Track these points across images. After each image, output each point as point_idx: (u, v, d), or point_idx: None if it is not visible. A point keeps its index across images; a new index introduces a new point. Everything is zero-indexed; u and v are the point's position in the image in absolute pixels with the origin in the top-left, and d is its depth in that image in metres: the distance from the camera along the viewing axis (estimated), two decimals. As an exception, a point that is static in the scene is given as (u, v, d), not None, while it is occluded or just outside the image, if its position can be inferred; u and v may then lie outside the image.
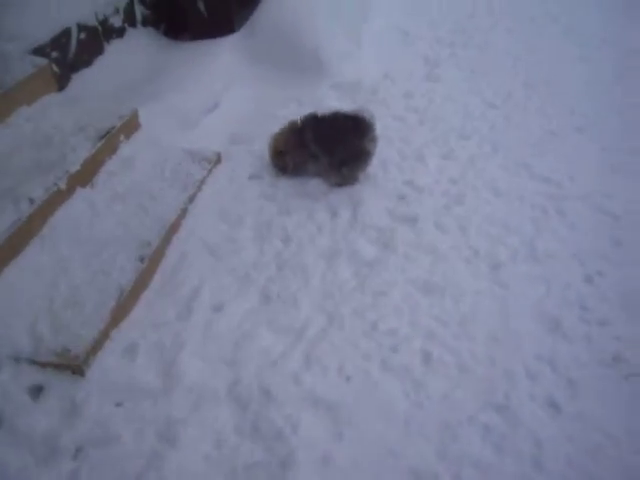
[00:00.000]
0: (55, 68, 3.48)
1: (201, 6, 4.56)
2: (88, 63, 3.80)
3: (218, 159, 3.19)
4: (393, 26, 5.74)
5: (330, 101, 4.15)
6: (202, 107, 3.83)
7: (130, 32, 4.25)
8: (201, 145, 3.44)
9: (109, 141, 2.91)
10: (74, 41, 3.65)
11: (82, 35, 3.72)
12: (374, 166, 3.40)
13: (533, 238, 2.89)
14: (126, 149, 3.00)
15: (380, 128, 3.72)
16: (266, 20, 4.42)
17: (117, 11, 4.09)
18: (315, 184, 3.22)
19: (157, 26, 4.61)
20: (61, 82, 3.54)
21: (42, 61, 3.12)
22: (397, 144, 3.66)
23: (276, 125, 3.41)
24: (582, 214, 3.08)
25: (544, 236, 2.91)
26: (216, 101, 3.99)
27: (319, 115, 3.14)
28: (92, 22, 3.84)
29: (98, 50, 3.90)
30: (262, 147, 3.43)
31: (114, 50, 4.03)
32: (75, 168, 2.63)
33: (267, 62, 4.40)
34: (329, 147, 3.07)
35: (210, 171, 3.07)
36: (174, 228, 2.71)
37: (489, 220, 3.02)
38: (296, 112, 3.90)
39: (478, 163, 3.52)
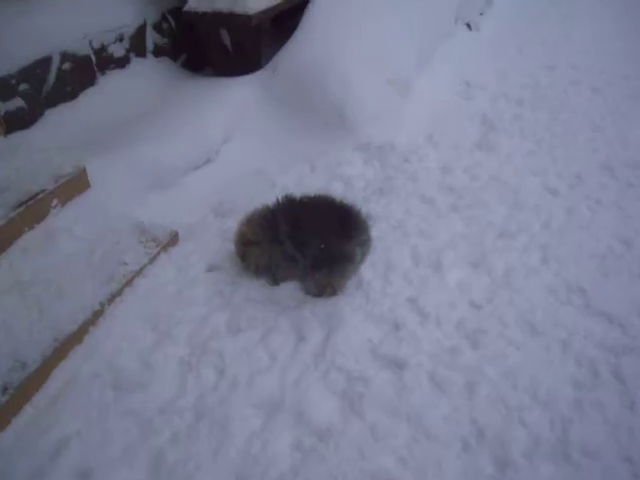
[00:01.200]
0: (22, 103, 2.95)
1: (226, 39, 3.95)
2: (71, 96, 3.26)
3: (172, 240, 2.52)
4: (455, 74, 4.92)
5: (348, 168, 3.43)
6: (190, 161, 3.20)
7: (136, 62, 3.71)
8: (169, 213, 2.79)
9: (32, 209, 2.31)
10: (53, 72, 3.11)
11: (66, 65, 3.18)
12: (375, 270, 2.61)
13: (569, 422, 1.99)
14: (56, 219, 2.41)
15: (399, 213, 2.97)
16: (291, 59, 3.74)
17: (120, 39, 3.55)
18: (288, 289, 2.48)
19: (175, 57, 4.03)
20: (28, 118, 3.01)
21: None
22: (414, 239, 2.85)
23: (271, 195, 2.71)
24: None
25: (585, 421, 1.99)
26: (210, 155, 3.35)
27: (299, 200, 2.40)
28: (83, 51, 3.29)
29: (87, 82, 3.38)
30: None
31: (109, 82, 3.50)
32: (-36, 247, 2.02)
33: (285, 109, 3.72)
34: (305, 244, 2.31)
35: (155, 257, 2.40)
36: (74, 339, 2.04)
37: (509, 379, 2.15)
38: (303, 179, 3.22)
39: (517, 280, 2.64)
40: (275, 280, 2.46)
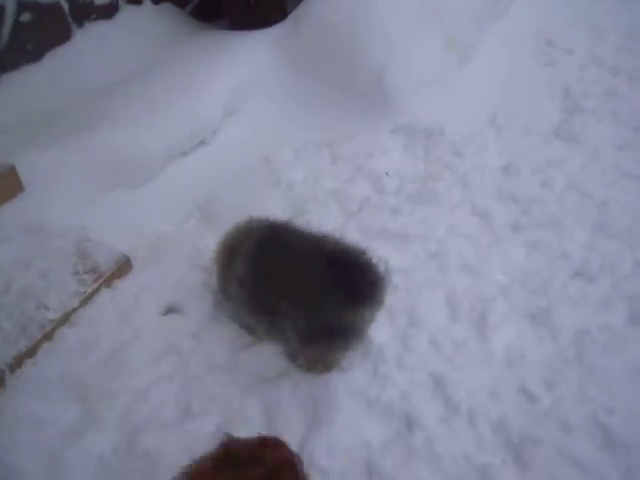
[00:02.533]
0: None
1: (244, -20, 3.13)
2: (34, 57, 2.60)
3: (120, 269, 1.88)
4: (535, 31, 3.89)
5: (382, 159, 2.63)
6: (174, 146, 2.50)
7: (127, 11, 3.03)
8: (134, 221, 2.15)
9: None
10: (8, 25, 2.45)
11: (25, 16, 2.50)
12: (393, 326, 1.89)
13: None
14: (-32, 235, 1.77)
15: (440, 231, 2.20)
16: (318, 10, 2.91)
17: (104, -19, 2.81)
18: (267, 351, 1.79)
19: (183, 3, 3.26)
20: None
21: None
22: (454, 276, 2.08)
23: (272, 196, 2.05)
24: None
25: None
26: (204, 135, 2.64)
27: (285, 232, 1.67)
28: (51, -4, 2.59)
29: (58, 38, 2.69)
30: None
31: (88, 38, 2.80)
32: None
33: (306, 75, 2.95)
34: (291, 300, 1.60)
35: (90, 296, 1.76)
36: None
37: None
38: (318, 174, 2.49)
39: (592, 353, 1.84)
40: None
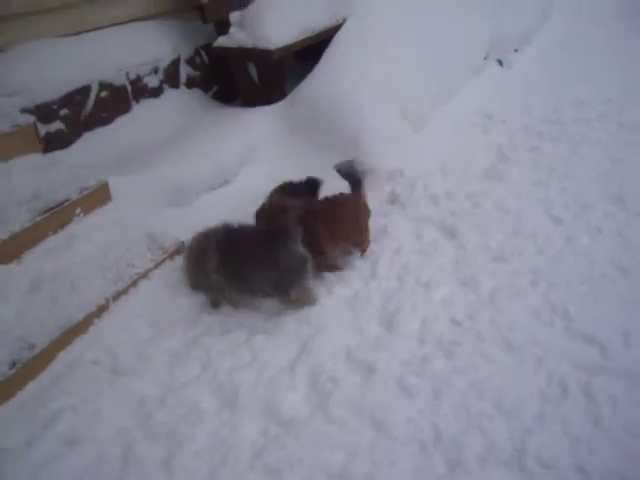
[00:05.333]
0: (62, 126, 3.34)
1: (253, 72, 4.28)
2: (107, 121, 3.64)
3: (178, 249, 2.77)
4: (477, 109, 5.06)
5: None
6: (207, 182, 3.49)
7: (169, 93, 4.09)
8: (180, 227, 3.07)
9: (57, 215, 2.63)
10: (92, 99, 3.51)
11: (104, 93, 3.57)
12: (362, 280, 2.78)
13: (528, 433, 2.06)
14: (78, 225, 2.72)
15: (404, 235, 3.12)
16: (308, 91, 4.02)
17: (155, 71, 3.94)
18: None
19: (206, 88, 4.40)
20: (66, 139, 3.40)
21: (28, 119, 2.95)
22: (407, 256, 2.99)
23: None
24: (623, 405, 2.16)
25: (545, 433, 2.06)
26: (227, 177, 3.63)
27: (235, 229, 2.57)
28: (120, 81, 3.70)
29: (123, 109, 3.75)
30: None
31: (143, 110, 3.88)
32: (-8, 244, 2.35)
33: (303, 137, 3.98)
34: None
35: (160, 263, 2.66)
36: (80, 329, 2.31)
37: (476, 389, 2.24)
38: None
39: (501, 300, 2.73)
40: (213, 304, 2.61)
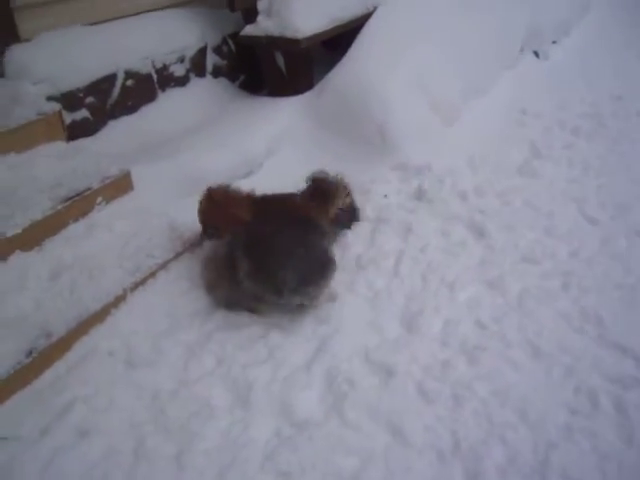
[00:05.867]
0: (87, 114, 3.33)
1: (280, 62, 4.22)
2: (132, 110, 3.63)
3: (198, 240, 2.73)
4: (512, 103, 4.88)
5: (381, 185, 3.52)
6: (232, 171, 3.44)
7: (195, 82, 4.05)
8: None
9: (78, 203, 2.62)
10: (118, 87, 3.49)
11: (129, 81, 3.56)
12: (382, 277, 2.70)
13: (553, 446, 1.97)
14: (99, 214, 2.71)
15: (429, 231, 3.02)
16: (335, 82, 3.93)
17: (181, 60, 3.90)
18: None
19: (233, 78, 4.35)
20: (92, 128, 3.40)
21: (54, 107, 2.95)
22: (432, 255, 2.89)
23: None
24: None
25: (572, 447, 1.96)
26: (253, 167, 3.58)
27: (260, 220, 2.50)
28: (146, 69, 3.67)
29: (148, 98, 3.73)
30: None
31: (168, 99, 3.85)
32: (15, 231, 2.34)
33: (329, 128, 3.90)
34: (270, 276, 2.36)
35: (179, 255, 2.62)
36: (97, 318, 2.29)
37: (500, 396, 2.14)
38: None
39: (529, 303, 2.61)
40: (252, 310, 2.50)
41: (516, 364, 2.30)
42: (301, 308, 2.49)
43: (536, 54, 6.26)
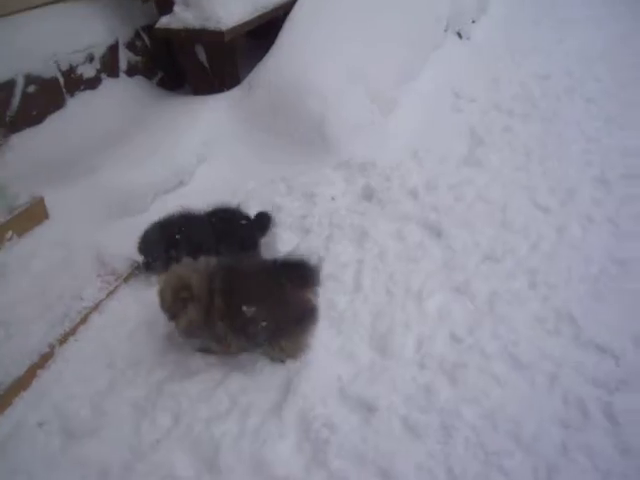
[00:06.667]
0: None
1: (202, 56, 3.82)
2: (37, 120, 3.14)
3: (133, 271, 2.37)
4: (443, 86, 4.76)
5: (326, 187, 3.26)
6: (160, 185, 3.06)
7: (108, 83, 3.60)
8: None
9: (-18, 243, 2.16)
10: (17, 95, 2.99)
11: (31, 88, 3.06)
12: (345, 295, 2.47)
13: (554, 469, 1.84)
14: (10, 252, 2.27)
15: (381, 236, 2.81)
16: (266, 75, 3.61)
17: (90, 59, 3.43)
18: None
19: (150, 75, 3.91)
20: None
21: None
22: (392, 263, 2.69)
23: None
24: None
25: (572, 468, 1.83)
26: (183, 177, 3.21)
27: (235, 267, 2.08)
28: (50, 72, 3.18)
29: (55, 105, 3.25)
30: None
31: (79, 105, 3.38)
32: None
33: (263, 128, 3.58)
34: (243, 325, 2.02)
35: (113, 291, 2.25)
36: (20, 385, 1.90)
37: (490, 420, 1.98)
38: (280, 200, 3.08)
39: (500, 307, 2.47)
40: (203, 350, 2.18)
41: (499, 379, 2.15)
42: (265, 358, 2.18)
43: (459, 35, 6.20)
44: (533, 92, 4.76)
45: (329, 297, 2.49)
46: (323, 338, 2.28)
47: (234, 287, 1.98)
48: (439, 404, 2.03)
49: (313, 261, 2.12)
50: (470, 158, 3.66)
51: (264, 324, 1.95)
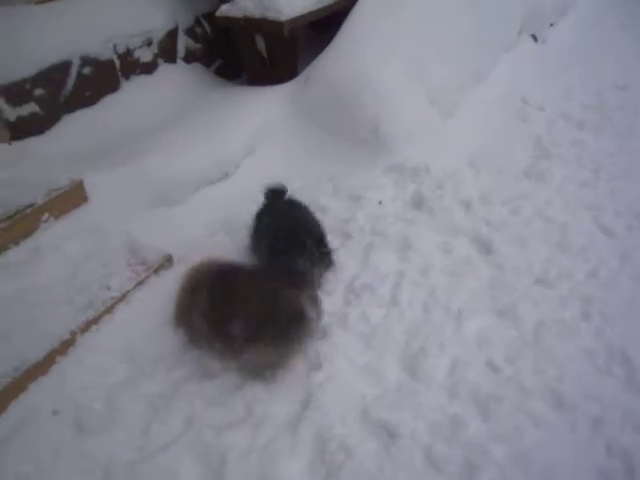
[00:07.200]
0: (36, 108, 2.86)
1: (261, 46, 3.75)
2: (91, 102, 3.16)
3: (164, 264, 2.34)
4: (512, 91, 4.49)
5: (375, 190, 3.12)
6: (205, 175, 3.02)
7: (164, 68, 3.59)
8: (171, 232, 2.62)
9: (19, 223, 2.18)
10: (73, 76, 3.01)
11: (86, 69, 3.07)
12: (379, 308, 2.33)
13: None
14: (45, 234, 2.27)
15: (427, 247, 2.65)
16: (324, 70, 3.49)
17: (148, 43, 3.42)
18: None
19: (208, 63, 3.88)
20: (42, 124, 2.92)
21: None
22: (435, 278, 2.53)
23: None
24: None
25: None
26: (229, 169, 3.15)
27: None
28: (106, 55, 3.18)
29: (110, 87, 3.26)
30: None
31: (133, 88, 3.38)
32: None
33: (315, 123, 3.48)
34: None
35: (141, 282, 2.21)
36: (38, 370, 1.89)
37: (521, 463, 1.82)
38: (325, 201, 2.96)
39: (546, 338, 2.27)
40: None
41: (536, 418, 1.96)
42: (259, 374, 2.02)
43: (534, 38, 5.86)
44: (609, 103, 4.42)
45: (362, 310, 2.36)
46: (350, 352, 2.15)
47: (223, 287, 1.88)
48: (466, 438, 1.87)
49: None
50: (532, 171, 3.42)
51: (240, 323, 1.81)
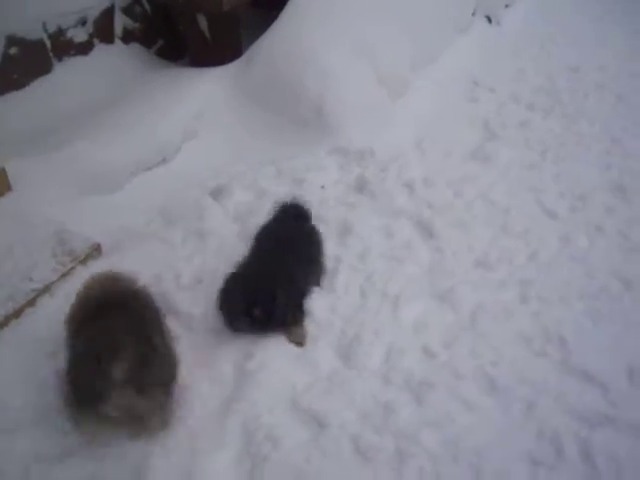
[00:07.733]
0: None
1: (203, 25, 3.62)
2: (20, 85, 2.99)
3: (92, 254, 2.23)
4: (463, 73, 4.46)
5: (318, 173, 3.05)
6: (141, 161, 2.90)
7: (100, 49, 3.43)
8: (104, 221, 2.51)
9: None
10: (-2, 57, 2.84)
11: (13, 50, 2.90)
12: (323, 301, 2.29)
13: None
14: (-38, 225, 2.12)
15: (365, 230, 2.61)
16: (267, 49, 3.39)
17: (82, 22, 3.26)
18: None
19: (148, 44, 3.72)
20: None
21: None
22: (373, 263, 2.49)
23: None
24: (626, 473, 1.74)
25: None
26: (166, 154, 3.05)
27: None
28: (35, 35, 3.01)
29: (41, 69, 3.09)
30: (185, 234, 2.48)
31: (67, 71, 3.21)
32: None
33: (258, 104, 3.38)
34: None
35: (67, 273, 2.11)
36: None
37: (451, 448, 1.80)
38: (266, 184, 2.89)
39: (484, 322, 2.26)
40: None
41: (469, 403, 1.96)
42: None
43: (488, 19, 5.83)
44: (559, 85, 4.43)
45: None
46: (284, 340, 2.10)
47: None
48: (397, 425, 1.85)
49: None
50: (478, 152, 3.40)
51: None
